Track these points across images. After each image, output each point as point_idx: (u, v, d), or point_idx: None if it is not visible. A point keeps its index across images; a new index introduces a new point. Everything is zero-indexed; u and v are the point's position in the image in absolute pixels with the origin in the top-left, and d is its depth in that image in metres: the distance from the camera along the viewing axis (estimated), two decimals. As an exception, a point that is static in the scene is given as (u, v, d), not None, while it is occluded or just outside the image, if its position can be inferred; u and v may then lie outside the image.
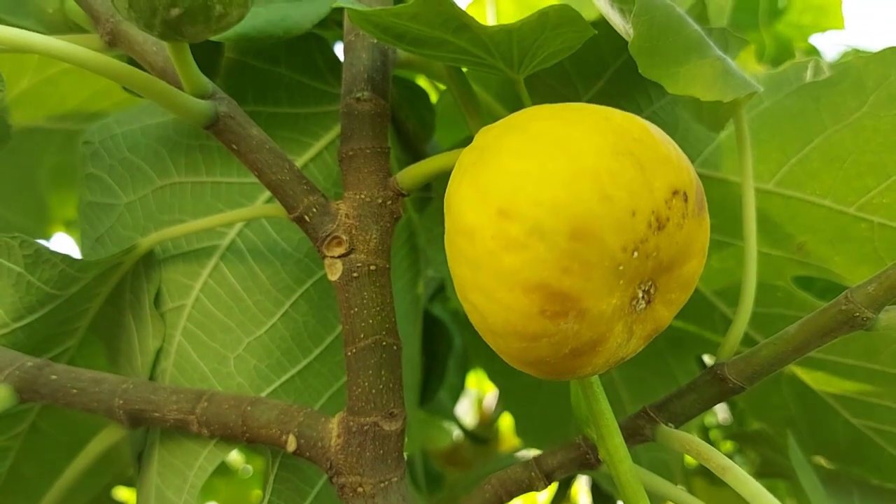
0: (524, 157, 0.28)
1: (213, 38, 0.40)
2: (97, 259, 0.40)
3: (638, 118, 0.29)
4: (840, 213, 0.47)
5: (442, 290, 0.68)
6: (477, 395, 1.31)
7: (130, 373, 0.45)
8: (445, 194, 0.31)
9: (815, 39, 0.92)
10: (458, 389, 0.76)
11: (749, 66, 0.84)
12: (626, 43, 0.50)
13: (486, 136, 0.31)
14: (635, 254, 0.27)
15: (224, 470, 1.14)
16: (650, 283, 0.29)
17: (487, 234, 0.27)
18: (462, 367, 0.74)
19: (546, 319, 0.27)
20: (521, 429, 0.66)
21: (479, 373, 1.22)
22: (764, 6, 0.86)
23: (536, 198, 0.27)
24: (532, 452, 0.65)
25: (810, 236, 0.49)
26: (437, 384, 0.69)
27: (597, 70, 0.51)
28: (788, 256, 0.51)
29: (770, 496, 0.30)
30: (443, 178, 0.50)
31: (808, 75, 0.49)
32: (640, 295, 0.29)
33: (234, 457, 1.19)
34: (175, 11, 0.28)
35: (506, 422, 1.22)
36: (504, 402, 0.67)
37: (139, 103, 0.48)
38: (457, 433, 1.20)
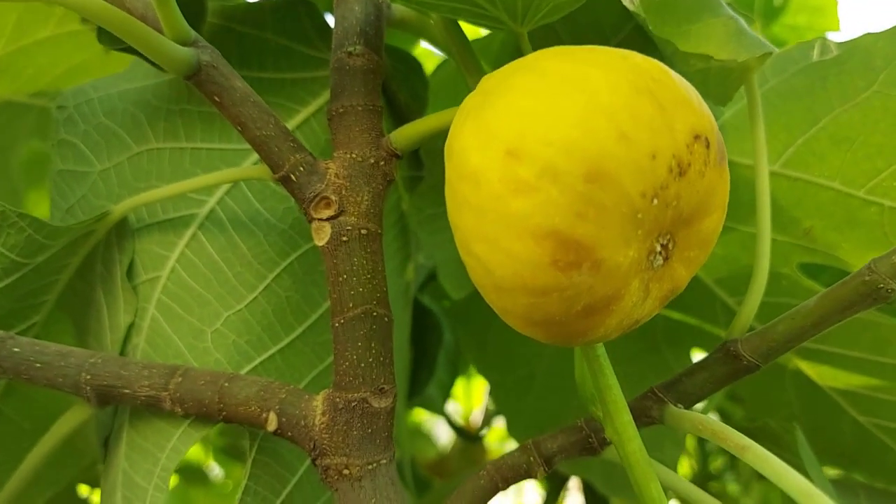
0: (534, 96, 0.25)
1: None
2: (67, 225, 0.38)
3: (656, 61, 0.27)
4: (848, 196, 0.45)
5: (433, 278, 0.65)
6: (462, 410, 1.29)
7: (100, 350, 0.42)
8: (446, 141, 0.29)
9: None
10: (447, 386, 0.73)
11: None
12: (628, 18, 0.48)
13: (491, 80, 0.28)
14: (655, 201, 0.25)
15: (203, 480, 1.10)
16: (668, 237, 0.26)
17: (494, 178, 0.25)
18: (452, 364, 0.72)
19: (557, 271, 0.25)
20: (512, 425, 0.63)
21: (466, 385, 1.20)
22: (759, 5, 0.85)
23: (548, 137, 0.24)
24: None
25: (817, 221, 0.48)
26: (427, 377, 0.67)
27: (595, 44, 0.49)
28: (794, 242, 0.49)
29: (794, 473, 0.28)
30: (436, 155, 0.48)
31: (815, 54, 0.48)
32: (658, 249, 0.26)
33: (216, 472, 1.16)
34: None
35: (493, 435, 1.20)
36: (495, 398, 0.64)
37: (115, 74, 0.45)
38: (442, 444, 1.17)
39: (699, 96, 0.27)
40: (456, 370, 0.74)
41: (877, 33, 0.45)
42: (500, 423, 1.12)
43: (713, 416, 0.85)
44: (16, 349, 0.36)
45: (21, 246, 0.37)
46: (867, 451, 0.55)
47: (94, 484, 0.66)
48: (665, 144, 0.25)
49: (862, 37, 0.45)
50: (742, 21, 0.36)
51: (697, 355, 0.64)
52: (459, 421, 1.18)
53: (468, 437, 0.94)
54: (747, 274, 0.54)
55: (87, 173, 0.42)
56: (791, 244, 0.49)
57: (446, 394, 0.74)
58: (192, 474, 1.11)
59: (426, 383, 0.67)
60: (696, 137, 0.26)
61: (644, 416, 0.35)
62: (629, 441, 0.32)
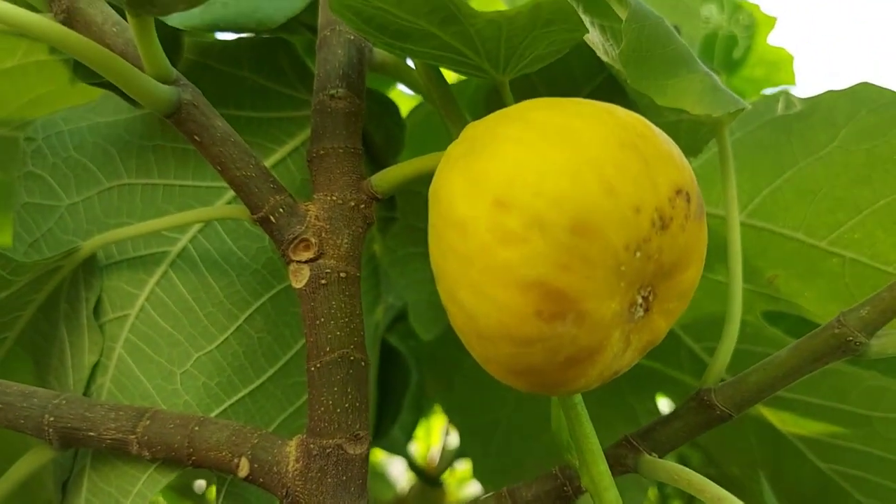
0: (523, 146, 0.26)
1: (182, 25, 0.37)
2: (34, 261, 0.37)
3: (639, 115, 0.28)
4: (812, 247, 0.46)
5: (401, 319, 0.65)
6: (419, 449, 1.27)
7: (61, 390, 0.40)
8: (431, 187, 0.29)
9: (767, 93, 0.94)
10: (411, 427, 0.72)
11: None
12: (601, 67, 0.49)
13: (477, 129, 0.29)
14: (638, 254, 0.25)
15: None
16: (649, 290, 0.27)
17: (482, 227, 0.25)
18: (417, 405, 0.71)
19: (542, 321, 0.25)
20: (478, 469, 0.63)
21: (425, 424, 1.18)
22: (720, 57, 0.88)
23: (537, 188, 0.24)
24: None
25: (781, 270, 0.49)
26: (393, 419, 0.66)
27: (568, 94, 0.50)
28: (758, 290, 0.50)
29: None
30: (409, 197, 0.48)
31: (780, 108, 0.49)
32: (640, 301, 0.27)
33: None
34: (146, -27, 0.25)
35: (452, 477, 1.18)
36: (462, 441, 0.64)
37: (86, 104, 0.45)
38: (401, 485, 1.16)
39: (680, 151, 0.28)
40: (420, 411, 0.74)
41: (838, 91, 0.46)
42: (459, 465, 1.11)
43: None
44: (-25, 389, 0.35)
45: (-16, 282, 0.36)
46: (828, 497, 0.56)
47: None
48: (649, 198, 0.25)
49: (825, 94, 0.47)
50: (716, 77, 0.37)
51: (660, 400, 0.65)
52: (417, 460, 1.17)
53: (429, 480, 0.92)
54: (711, 320, 0.55)
55: (55, 207, 0.41)
56: (755, 292, 0.50)
57: (409, 435, 0.74)
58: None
59: (392, 425, 0.67)
60: (678, 192, 0.26)
61: (618, 464, 0.35)
62: (605, 490, 0.31)
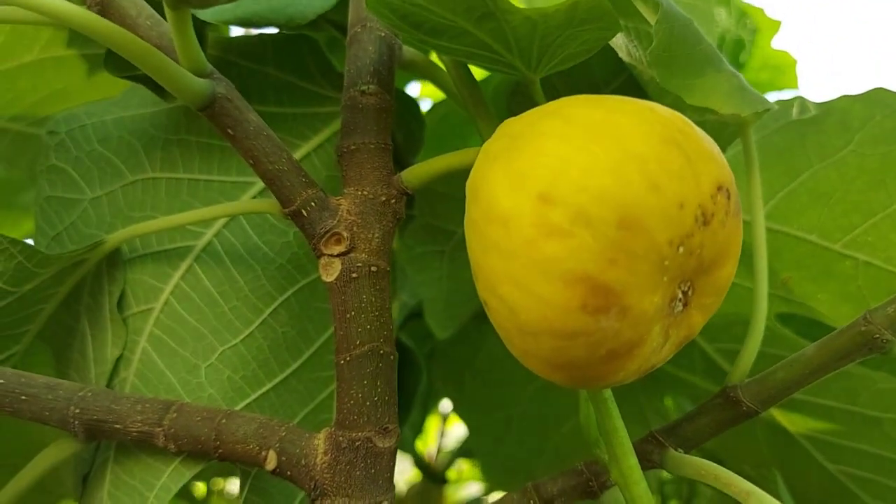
0: (566, 141, 0.26)
1: (214, 20, 0.37)
2: (58, 254, 0.37)
3: (679, 113, 0.28)
4: (825, 250, 0.47)
5: (414, 317, 0.65)
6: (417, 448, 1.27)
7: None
8: (469, 183, 0.29)
9: (771, 97, 0.95)
10: (419, 425, 0.72)
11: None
12: (621, 69, 0.50)
13: (516, 125, 0.29)
14: (681, 249, 0.25)
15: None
16: (689, 284, 0.27)
17: (525, 222, 0.25)
18: (424, 404, 0.71)
19: (587, 315, 0.25)
20: (486, 468, 0.63)
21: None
22: (728, 60, 0.88)
23: (582, 183, 0.25)
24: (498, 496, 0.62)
25: (795, 272, 0.49)
26: (404, 417, 0.66)
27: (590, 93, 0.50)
28: (772, 292, 0.50)
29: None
30: (427, 195, 0.48)
31: (794, 113, 0.50)
32: (680, 296, 0.27)
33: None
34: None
35: (451, 475, 1.18)
36: (471, 440, 0.64)
37: (108, 99, 0.45)
38: (399, 489, 1.15)
39: (719, 149, 0.28)
40: (427, 410, 0.74)
41: (853, 96, 0.47)
42: (456, 466, 1.11)
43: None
44: (0, 380, 0.35)
45: (10, 274, 0.36)
46: (836, 498, 0.56)
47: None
48: (692, 194, 0.25)
49: (839, 98, 0.47)
50: (742, 77, 0.37)
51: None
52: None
53: (435, 478, 0.92)
54: (725, 322, 0.55)
55: (78, 200, 0.41)
56: (769, 293, 0.50)
57: (417, 433, 0.74)
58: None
59: (403, 423, 0.66)
60: (720, 188, 0.26)
61: (645, 459, 0.35)
62: (635, 484, 0.32)
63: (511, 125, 0.29)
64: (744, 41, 0.82)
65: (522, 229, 0.25)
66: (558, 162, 0.25)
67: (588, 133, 0.26)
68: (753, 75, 0.93)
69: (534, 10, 0.30)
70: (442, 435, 1.10)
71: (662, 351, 0.28)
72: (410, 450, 0.77)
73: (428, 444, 1.24)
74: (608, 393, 0.33)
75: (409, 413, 0.65)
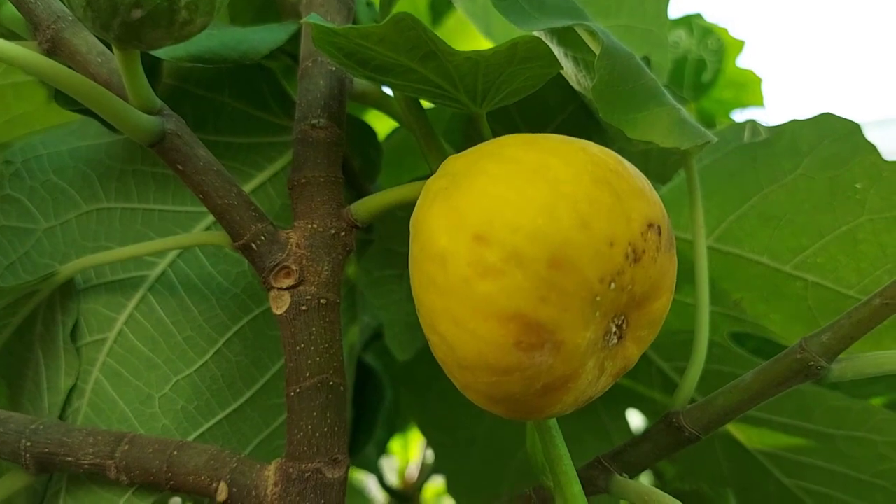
0: (502, 182, 0.27)
1: (166, 57, 0.38)
2: (11, 286, 0.37)
3: (612, 151, 0.29)
4: (776, 271, 0.48)
5: (377, 338, 0.66)
6: (398, 464, 1.27)
7: (36, 415, 0.40)
8: (412, 220, 0.30)
9: (737, 115, 0.97)
10: (383, 444, 0.73)
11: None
12: (573, 96, 0.51)
13: (457, 163, 0.30)
14: (612, 285, 0.26)
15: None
16: (623, 318, 0.28)
17: (462, 261, 0.26)
18: (390, 422, 0.71)
19: (520, 352, 0.26)
20: (452, 486, 0.63)
21: (402, 439, 1.18)
22: (689, 80, 0.90)
23: (515, 223, 0.25)
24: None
25: (747, 293, 0.50)
26: (367, 437, 0.66)
27: (543, 121, 0.51)
28: (725, 312, 0.51)
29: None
30: (386, 220, 0.49)
31: (746, 136, 0.51)
32: (613, 329, 0.28)
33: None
34: (137, 13, 0.26)
35: (429, 492, 1.18)
36: (436, 458, 0.64)
37: (66, 127, 0.45)
38: (377, 501, 1.15)
39: (651, 186, 0.29)
40: (393, 429, 0.74)
41: (802, 120, 0.48)
42: (435, 481, 1.11)
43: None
44: (-49, 414, 0.35)
45: (-39, 306, 0.36)
46: (792, 511, 0.57)
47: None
48: (622, 233, 0.26)
49: (789, 123, 0.48)
50: (684, 110, 0.38)
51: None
52: (395, 475, 1.17)
53: (400, 498, 0.93)
54: (680, 340, 0.56)
55: (32, 230, 0.41)
56: (722, 314, 0.52)
57: (382, 452, 0.74)
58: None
59: (366, 443, 0.67)
60: (650, 226, 0.27)
61: (590, 485, 0.36)
62: (579, 512, 0.32)
63: (453, 163, 0.30)
64: (705, 61, 0.84)
65: (459, 268, 0.26)
66: (493, 203, 0.26)
67: (522, 174, 0.27)
68: (719, 93, 0.95)
69: (474, 52, 0.31)
70: (427, 447, 1.10)
71: (599, 383, 0.29)
72: (374, 469, 0.77)
73: (410, 460, 1.25)
74: (553, 422, 0.33)
75: (373, 433, 0.66)
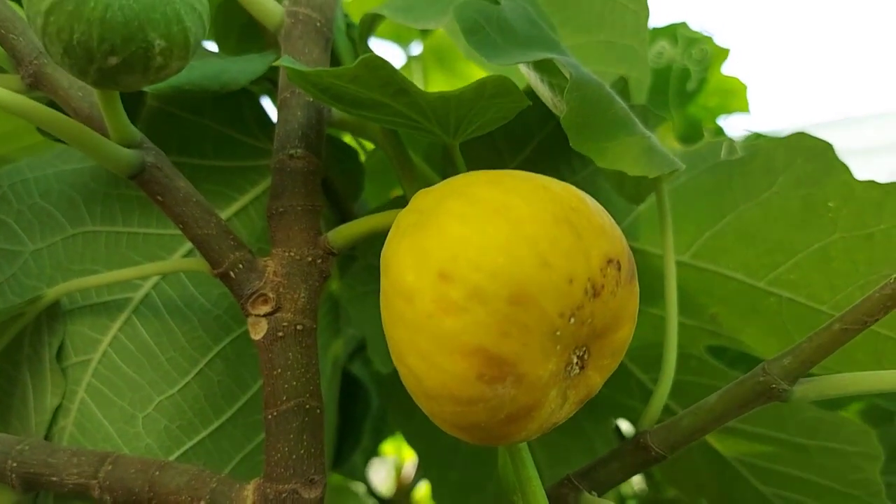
0: (465, 222, 0.28)
1: (148, 89, 0.39)
2: (-2, 309, 0.38)
3: (574, 188, 0.30)
4: (751, 287, 0.49)
5: (362, 349, 0.67)
6: (395, 462, 1.28)
7: (23, 432, 0.42)
8: (382, 255, 0.31)
9: (723, 121, 0.98)
10: (370, 452, 0.74)
11: (667, 143, 0.88)
12: (552, 114, 0.52)
13: (426, 199, 0.31)
14: (572, 320, 0.27)
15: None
16: (584, 349, 0.29)
17: (427, 297, 0.27)
18: (377, 430, 0.73)
19: (483, 384, 0.27)
20: (437, 494, 0.65)
21: (399, 439, 1.20)
22: (674, 89, 0.91)
23: (477, 262, 0.27)
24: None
25: (723, 308, 0.51)
26: (353, 447, 0.67)
27: (523, 139, 0.52)
28: (702, 326, 0.52)
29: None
30: (368, 238, 0.50)
31: (723, 154, 0.52)
32: (575, 361, 0.29)
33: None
34: (113, 60, 0.27)
35: (422, 492, 1.19)
36: (421, 466, 0.66)
37: (52, 148, 0.46)
38: (371, 501, 1.17)
39: (612, 221, 0.30)
40: (381, 436, 0.75)
41: (777, 138, 0.49)
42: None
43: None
44: (-62, 435, 0.36)
45: (-50, 329, 0.37)
46: (770, 519, 0.58)
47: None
48: (581, 269, 0.27)
49: (764, 141, 0.49)
50: (654, 138, 0.39)
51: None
52: (391, 475, 1.18)
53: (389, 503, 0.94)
54: (657, 353, 0.57)
55: (19, 252, 0.42)
56: (698, 328, 0.53)
57: (368, 459, 0.75)
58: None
59: (352, 452, 0.68)
60: (609, 261, 0.28)
61: (561, 502, 0.37)
62: (546, 532, 0.33)
63: (422, 199, 0.31)
64: (689, 71, 0.85)
65: (424, 304, 0.27)
66: (457, 242, 0.27)
67: (485, 214, 0.28)
68: (705, 100, 0.95)
69: (443, 92, 0.32)
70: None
71: (563, 410, 0.30)
72: (361, 477, 0.78)
73: (405, 461, 1.26)
74: (523, 445, 0.34)
75: (359, 442, 0.67)
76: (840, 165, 0.46)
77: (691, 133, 0.93)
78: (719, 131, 0.96)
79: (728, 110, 0.98)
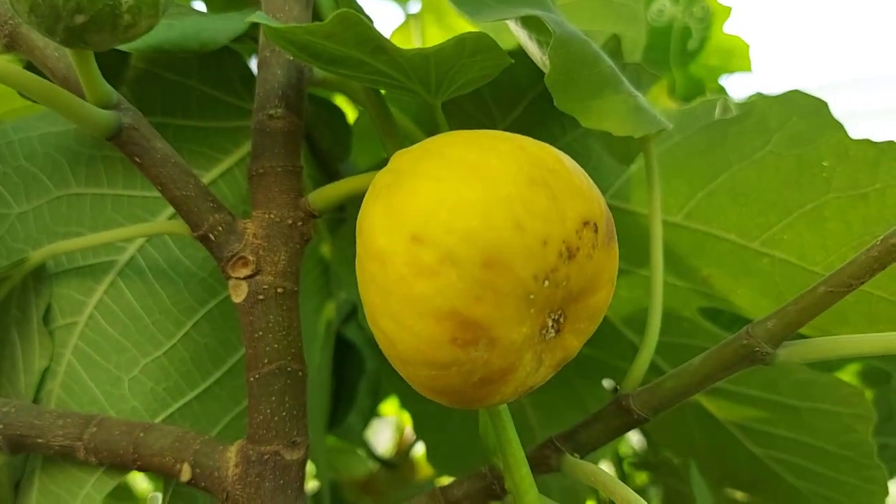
0: (439, 183, 0.27)
1: (125, 47, 0.38)
2: (-19, 272, 0.38)
3: (552, 148, 0.29)
4: (743, 248, 0.48)
5: (355, 312, 0.67)
6: (397, 423, 1.29)
7: (13, 394, 0.42)
8: (358, 217, 0.30)
9: (725, 80, 0.96)
10: (368, 413, 0.74)
11: (661, 102, 0.87)
12: (543, 74, 0.51)
13: (402, 160, 0.30)
14: (546, 283, 0.27)
15: (130, 497, 1.08)
16: (560, 313, 0.29)
17: (399, 260, 0.27)
18: (374, 391, 0.73)
19: (456, 348, 0.27)
20: (432, 455, 0.65)
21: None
22: (675, 47, 0.89)
23: (450, 225, 0.26)
24: (447, 480, 0.64)
25: (715, 269, 0.51)
26: (347, 409, 0.68)
27: (513, 98, 0.51)
28: (694, 288, 0.52)
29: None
30: (356, 199, 0.50)
31: (717, 113, 0.51)
32: (550, 324, 0.29)
33: (143, 485, 1.13)
34: (80, 18, 0.26)
35: (422, 452, 1.21)
36: (416, 429, 0.66)
37: (37, 110, 0.45)
38: (373, 461, 1.18)
39: (591, 182, 0.29)
40: (378, 395, 0.76)
41: (772, 97, 0.48)
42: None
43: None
44: (-74, 397, 0.36)
45: (-66, 293, 0.37)
46: (762, 479, 0.59)
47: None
48: (556, 232, 0.27)
49: (759, 99, 0.48)
50: (641, 97, 0.39)
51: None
52: (392, 442, 1.19)
53: (387, 465, 0.95)
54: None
55: (5, 215, 0.42)
56: (691, 290, 0.52)
57: (367, 420, 0.76)
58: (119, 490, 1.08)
59: (346, 414, 0.69)
60: (585, 223, 0.28)
61: (543, 464, 0.37)
62: (526, 493, 0.34)
63: (399, 159, 0.31)
64: (691, 29, 0.83)
65: (396, 267, 0.27)
66: (430, 204, 0.27)
67: (460, 175, 0.27)
68: (706, 59, 0.94)
69: (421, 48, 0.31)
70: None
71: (538, 373, 0.30)
72: (359, 439, 0.79)
73: (407, 421, 1.27)
74: (503, 407, 0.34)
75: (353, 404, 0.67)
76: (835, 123, 0.45)
77: (693, 93, 0.92)
78: (721, 91, 0.95)
79: (730, 70, 0.97)
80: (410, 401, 0.65)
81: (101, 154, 0.42)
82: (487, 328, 0.26)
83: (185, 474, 0.35)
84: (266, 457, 0.34)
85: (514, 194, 0.26)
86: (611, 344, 0.59)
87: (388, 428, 1.25)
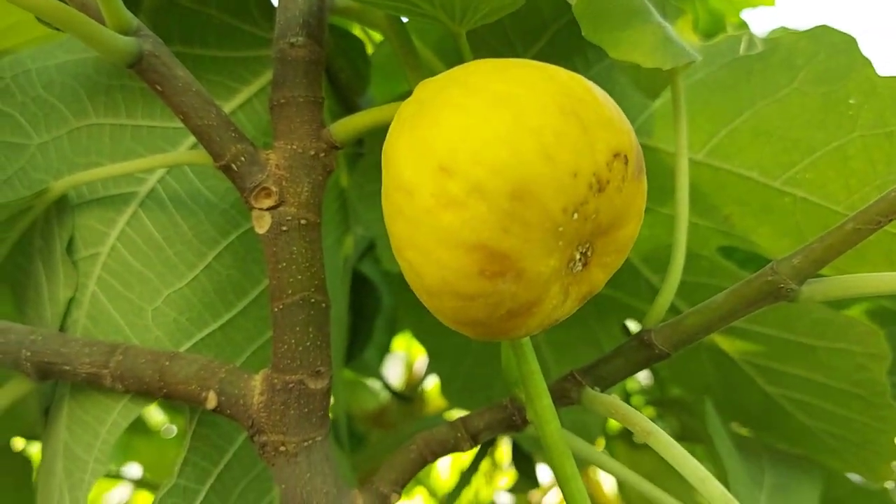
0: (467, 113, 0.27)
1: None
2: (5, 202, 0.38)
3: (582, 78, 0.29)
4: (766, 187, 0.48)
5: (372, 248, 0.67)
6: (407, 358, 1.31)
7: (39, 323, 0.42)
8: (383, 148, 0.30)
9: (746, 14, 0.93)
10: (384, 348, 0.75)
11: (685, 35, 0.85)
12: (567, 5, 0.50)
13: (427, 89, 0.30)
14: (575, 215, 0.27)
15: (145, 429, 1.10)
16: (588, 246, 0.29)
17: (426, 192, 0.27)
18: (390, 327, 0.74)
19: (484, 279, 0.26)
20: (446, 389, 0.66)
21: (410, 335, 1.22)
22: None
23: (478, 156, 0.26)
24: (457, 414, 0.65)
25: (737, 208, 0.50)
26: (364, 343, 0.69)
27: (537, 31, 0.50)
28: (715, 227, 0.52)
29: (692, 459, 0.31)
30: (377, 133, 0.49)
31: (742, 48, 0.50)
32: (578, 257, 0.28)
33: (157, 417, 1.15)
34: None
35: (431, 387, 1.23)
36: (431, 363, 0.67)
37: (55, 40, 0.45)
38: (383, 395, 1.20)
39: (621, 114, 0.29)
40: (394, 331, 0.77)
41: (799, 32, 0.47)
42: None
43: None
44: (-46, 324, 0.36)
45: (-41, 221, 0.37)
46: (773, 417, 0.59)
47: (28, 437, 0.67)
48: (586, 164, 0.26)
49: (785, 35, 0.47)
50: (670, 28, 0.38)
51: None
52: (402, 370, 1.21)
53: (402, 397, 0.97)
54: (670, 254, 0.57)
55: (26, 146, 0.42)
56: (711, 228, 0.52)
57: (383, 355, 0.77)
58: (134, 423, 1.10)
59: (363, 348, 0.69)
60: (616, 155, 0.27)
61: (564, 397, 0.38)
62: (547, 423, 0.34)
63: (423, 89, 0.30)
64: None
65: (423, 199, 0.27)
66: (458, 134, 0.26)
67: (487, 105, 0.27)
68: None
69: (448, -29, 0.30)
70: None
71: (564, 306, 0.30)
72: (376, 373, 0.80)
73: (416, 357, 1.28)
74: (525, 339, 0.35)
75: (369, 338, 0.68)
76: (863, 60, 0.44)
77: (713, 27, 0.89)
78: (743, 26, 0.92)
79: (752, 3, 0.94)
80: (425, 335, 0.66)
81: (120, 83, 0.42)
82: (515, 260, 0.26)
83: (211, 402, 0.36)
84: (291, 385, 0.35)
85: (543, 125, 0.26)
86: (628, 283, 0.59)
87: (397, 363, 1.27)
